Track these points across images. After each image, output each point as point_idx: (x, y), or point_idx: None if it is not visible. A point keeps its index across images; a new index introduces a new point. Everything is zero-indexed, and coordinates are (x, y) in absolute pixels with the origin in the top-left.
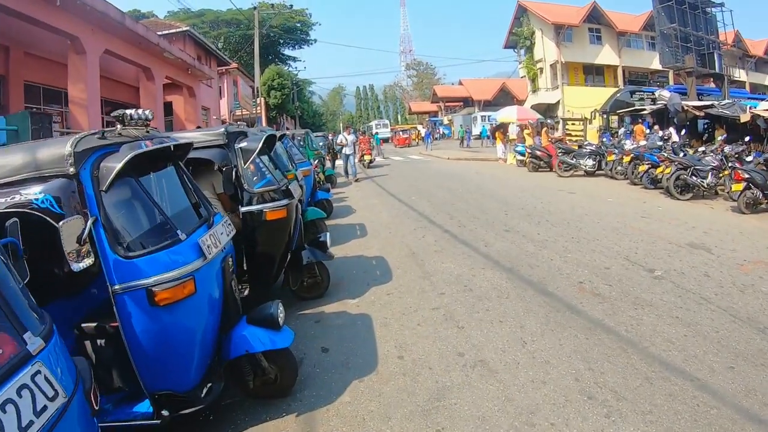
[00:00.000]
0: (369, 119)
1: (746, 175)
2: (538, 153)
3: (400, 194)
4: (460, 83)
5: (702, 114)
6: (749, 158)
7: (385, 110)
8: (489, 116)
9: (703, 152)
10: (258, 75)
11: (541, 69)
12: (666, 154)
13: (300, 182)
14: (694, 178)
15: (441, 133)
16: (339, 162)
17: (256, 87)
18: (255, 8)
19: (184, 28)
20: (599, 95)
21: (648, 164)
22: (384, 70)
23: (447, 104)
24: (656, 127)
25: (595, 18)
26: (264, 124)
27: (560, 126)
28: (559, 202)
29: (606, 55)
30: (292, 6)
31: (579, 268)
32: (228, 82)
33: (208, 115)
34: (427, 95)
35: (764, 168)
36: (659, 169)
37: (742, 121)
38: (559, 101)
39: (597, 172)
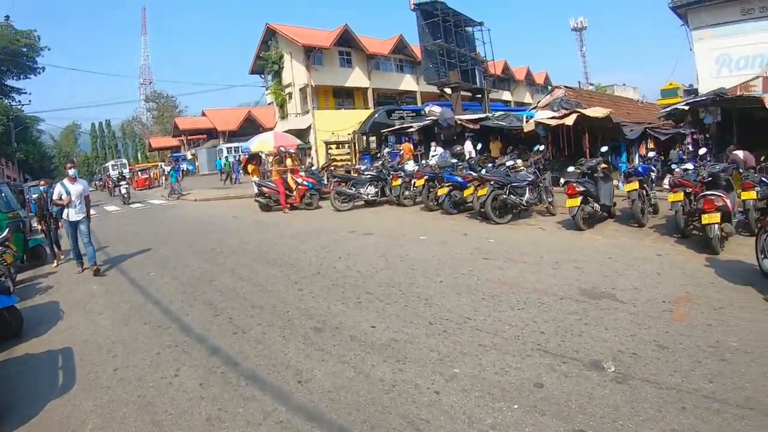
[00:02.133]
0: (106, 159)
1: (581, 188)
2: (265, 189)
3: (133, 268)
4: (204, 114)
5: (478, 127)
6: (570, 168)
7: (124, 148)
8: (241, 147)
9: (510, 167)
10: None
11: (290, 94)
12: (474, 174)
13: None
14: (513, 197)
15: (185, 169)
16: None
17: None
18: None
19: None
20: (350, 118)
21: (449, 186)
22: (122, 100)
23: (190, 138)
24: (433, 143)
25: (346, 41)
26: None
27: (312, 152)
28: (361, 251)
29: (356, 77)
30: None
31: (495, 403)
32: None
33: None
34: (169, 129)
35: (588, 177)
36: (467, 191)
37: (526, 130)
38: (310, 126)
39: (379, 199)
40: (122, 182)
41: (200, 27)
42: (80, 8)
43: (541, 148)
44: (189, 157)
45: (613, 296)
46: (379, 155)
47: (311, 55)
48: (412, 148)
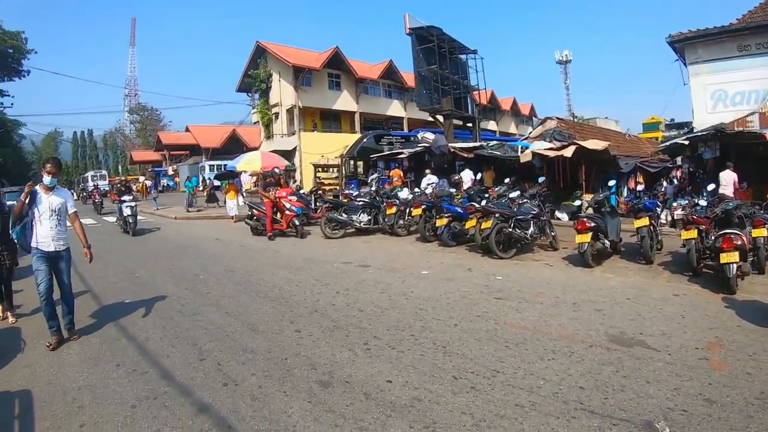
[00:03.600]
0: (86, 169)
1: (592, 224)
2: (256, 212)
3: (105, 293)
4: (187, 130)
5: (471, 155)
6: (576, 203)
7: (104, 159)
8: (225, 165)
9: (511, 199)
10: None
11: (277, 114)
12: (475, 205)
13: None
14: (518, 230)
15: (164, 185)
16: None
17: None
18: None
19: None
20: (336, 141)
21: (449, 217)
22: (105, 109)
23: (172, 153)
24: (427, 171)
25: (336, 64)
26: None
27: (297, 175)
28: (360, 286)
29: (344, 101)
30: None
31: None
32: None
33: None
34: (151, 143)
35: (597, 212)
36: (469, 223)
37: (522, 161)
38: (295, 148)
39: (372, 227)
40: (126, 198)
41: (188, 40)
42: (68, 12)
43: (540, 180)
44: (170, 172)
45: (644, 343)
46: (369, 180)
47: (300, 75)
48: (401, 174)
